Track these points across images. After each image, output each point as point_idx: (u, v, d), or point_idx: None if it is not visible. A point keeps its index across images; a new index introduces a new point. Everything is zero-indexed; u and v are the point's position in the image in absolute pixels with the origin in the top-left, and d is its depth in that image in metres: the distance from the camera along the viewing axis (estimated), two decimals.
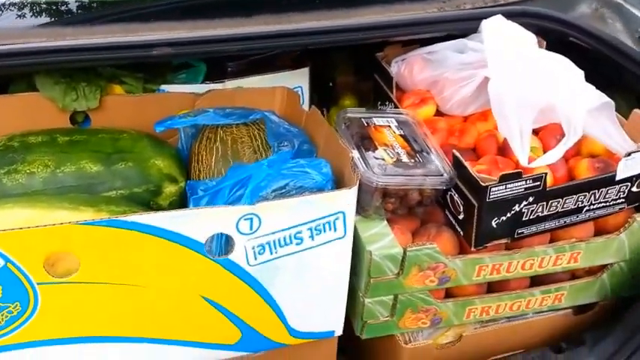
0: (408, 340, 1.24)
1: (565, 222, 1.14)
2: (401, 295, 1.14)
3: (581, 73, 1.18)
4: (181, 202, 1.25)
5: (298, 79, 1.53)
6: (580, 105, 1.10)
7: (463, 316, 1.22)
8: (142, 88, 1.40)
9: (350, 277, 1.15)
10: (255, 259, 0.98)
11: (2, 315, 0.87)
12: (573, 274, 1.26)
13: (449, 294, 1.22)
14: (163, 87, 1.42)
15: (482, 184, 1.04)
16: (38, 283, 0.87)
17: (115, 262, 0.90)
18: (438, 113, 1.36)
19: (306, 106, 1.54)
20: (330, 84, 1.79)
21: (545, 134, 1.25)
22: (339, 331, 1.15)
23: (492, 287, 1.24)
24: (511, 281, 1.22)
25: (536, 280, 1.24)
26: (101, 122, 1.35)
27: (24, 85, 1.36)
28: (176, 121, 1.30)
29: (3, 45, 1.12)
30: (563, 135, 1.15)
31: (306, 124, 1.36)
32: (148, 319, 0.97)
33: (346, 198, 1.00)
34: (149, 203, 1.23)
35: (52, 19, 1.24)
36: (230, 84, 1.45)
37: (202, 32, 1.19)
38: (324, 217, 0.99)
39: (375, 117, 1.28)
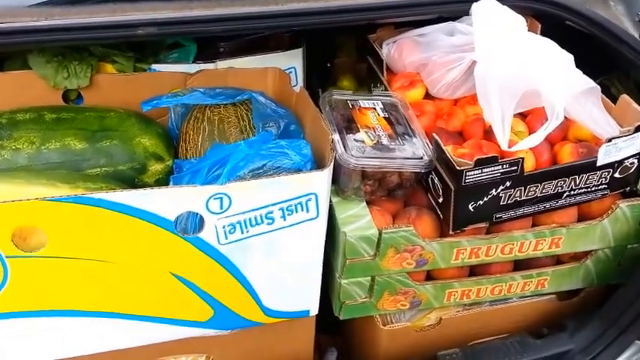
0: (389, 321, 1.25)
1: (545, 207, 1.12)
2: (378, 277, 1.14)
3: (569, 57, 1.15)
4: (168, 180, 1.26)
5: (292, 60, 1.52)
6: (563, 89, 1.08)
7: (443, 299, 1.21)
8: (133, 67, 1.41)
9: (329, 258, 1.16)
10: (226, 238, 0.98)
11: None
12: (559, 260, 1.25)
13: (431, 277, 1.22)
14: (154, 66, 1.43)
15: (458, 167, 1.03)
16: (7, 257, 0.89)
17: (83, 238, 0.92)
18: (428, 96, 1.34)
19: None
20: (329, 65, 1.78)
21: (533, 119, 1.23)
22: (314, 311, 1.16)
23: (476, 271, 1.23)
24: (493, 265, 1.21)
25: (522, 265, 1.23)
26: (93, 101, 1.36)
27: (19, 63, 1.38)
28: (163, 100, 1.30)
29: None
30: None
31: (295, 106, 1.36)
32: (118, 295, 0.99)
33: (318, 179, 0.99)
34: (134, 181, 1.24)
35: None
36: (222, 64, 1.45)
37: (187, 12, 1.18)
38: (295, 198, 0.99)
39: (361, 99, 1.27)
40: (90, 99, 1.37)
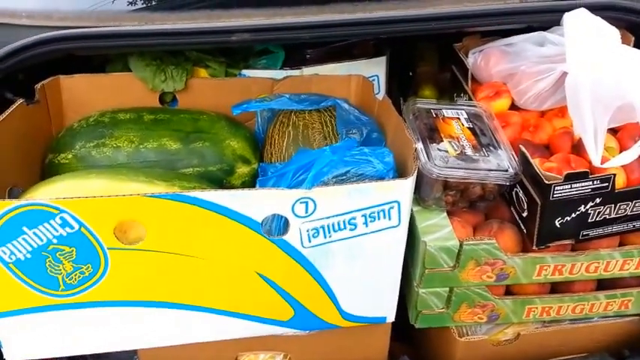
0: (465, 333, 1.24)
1: (634, 226, 1.09)
2: (456, 289, 1.14)
3: None
4: (253, 183, 1.31)
5: (375, 68, 1.54)
6: None
7: (522, 315, 1.20)
8: (225, 72, 1.47)
9: (407, 266, 1.17)
10: (310, 241, 1.02)
11: (75, 275, 0.98)
12: None
13: (510, 291, 1.21)
14: (244, 72, 1.48)
15: (547, 182, 1.02)
16: (109, 248, 0.96)
17: (177, 234, 0.97)
18: (513, 107, 1.32)
19: (382, 96, 1.55)
20: (410, 73, 1.79)
21: (624, 134, 1.19)
22: (391, 318, 1.17)
23: (556, 288, 1.21)
24: (576, 283, 1.18)
25: (603, 284, 1.20)
26: (186, 103, 1.43)
27: (119, 66, 1.47)
28: (252, 104, 1.36)
29: (99, 27, 1.22)
30: None
31: (377, 114, 1.37)
32: (206, 290, 1.04)
33: (402, 188, 1.01)
34: (222, 182, 1.29)
35: (143, 5, 1.33)
36: (307, 70, 1.48)
37: (279, 20, 1.22)
38: (378, 205, 1.01)
39: (444, 109, 1.27)
40: (184, 101, 1.44)
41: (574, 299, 1.17)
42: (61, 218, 0.92)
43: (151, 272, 1.01)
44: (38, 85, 1.28)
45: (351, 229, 1.02)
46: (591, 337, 1.23)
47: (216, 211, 0.95)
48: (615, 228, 1.09)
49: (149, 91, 1.42)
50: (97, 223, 0.93)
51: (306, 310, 1.10)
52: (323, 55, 1.55)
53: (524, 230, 1.12)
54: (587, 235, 1.09)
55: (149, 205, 0.93)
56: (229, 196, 0.95)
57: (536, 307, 1.18)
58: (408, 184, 1.01)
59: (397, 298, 1.14)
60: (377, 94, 1.50)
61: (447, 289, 1.15)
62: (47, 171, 1.25)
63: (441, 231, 1.11)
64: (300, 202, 0.97)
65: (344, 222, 1.01)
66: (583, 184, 1.01)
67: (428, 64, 1.78)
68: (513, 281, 1.14)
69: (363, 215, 1.01)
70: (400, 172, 1.12)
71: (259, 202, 0.97)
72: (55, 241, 0.94)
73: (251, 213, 0.97)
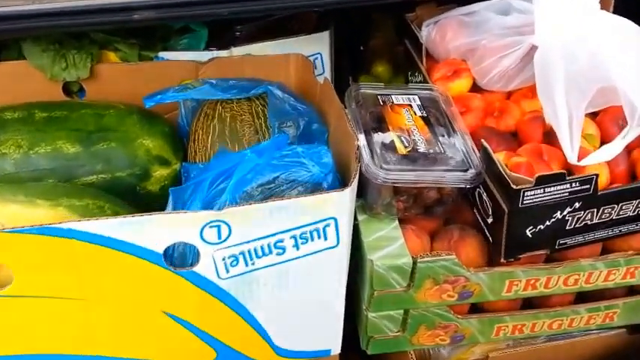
0: (426, 354, 1.08)
1: (621, 231, 0.92)
2: (412, 310, 0.97)
3: None
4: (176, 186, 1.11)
5: (317, 45, 1.33)
6: None
7: (491, 334, 1.03)
8: (138, 55, 1.26)
9: (356, 283, 0.99)
10: (227, 271, 0.82)
11: None
12: (631, 288, 1.04)
13: (477, 307, 1.04)
14: (162, 54, 1.27)
15: (514, 186, 0.83)
16: None
17: (55, 274, 0.77)
18: (475, 88, 1.13)
19: (327, 76, 1.34)
20: (362, 48, 1.58)
21: (605, 119, 1.01)
22: (336, 350, 0.99)
23: (531, 302, 1.04)
24: (553, 297, 1.02)
25: (586, 295, 1.03)
26: (95, 93, 1.22)
27: (15, 53, 1.24)
28: (168, 95, 1.14)
29: None
30: (627, 122, 0.91)
31: (319, 99, 1.18)
32: (103, 336, 0.84)
33: (338, 201, 0.81)
34: (135, 189, 1.09)
35: None
36: (237, 51, 1.27)
37: None
38: (310, 224, 0.82)
39: (394, 94, 1.08)
40: (92, 92, 1.23)
41: (550, 315, 1.01)
42: None
43: (31, 322, 0.80)
44: None
45: (278, 254, 0.83)
46: (571, 353, 1.08)
47: (99, 244, 0.75)
48: (598, 234, 0.91)
49: (51, 82, 1.20)
50: None
51: (231, 349, 0.91)
52: (255, 32, 1.33)
53: (490, 238, 0.95)
54: (565, 243, 0.91)
55: (10, 241, 0.72)
56: (112, 224, 0.74)
57: (507, 326, 1.01)
58: (345, 197, 0.81)
59: (342, 327, 0.96)
60: (320, 75, 1.30)
61: (402, 311, 0.97)
62: None
63: (391, 245, 0.92)
64: (210, 227, 0.77)
65: (269, 246, 0.82)
66: (559, 187, 0.83)
67: (381, 35, 1.56)
68: (479, 299, 0.97)
69: (292, 237, 0.82)
70: (342, 175, 0.93)
71: (157, 230, 0.76)
72: None
73: (147, 243, 0.77)
